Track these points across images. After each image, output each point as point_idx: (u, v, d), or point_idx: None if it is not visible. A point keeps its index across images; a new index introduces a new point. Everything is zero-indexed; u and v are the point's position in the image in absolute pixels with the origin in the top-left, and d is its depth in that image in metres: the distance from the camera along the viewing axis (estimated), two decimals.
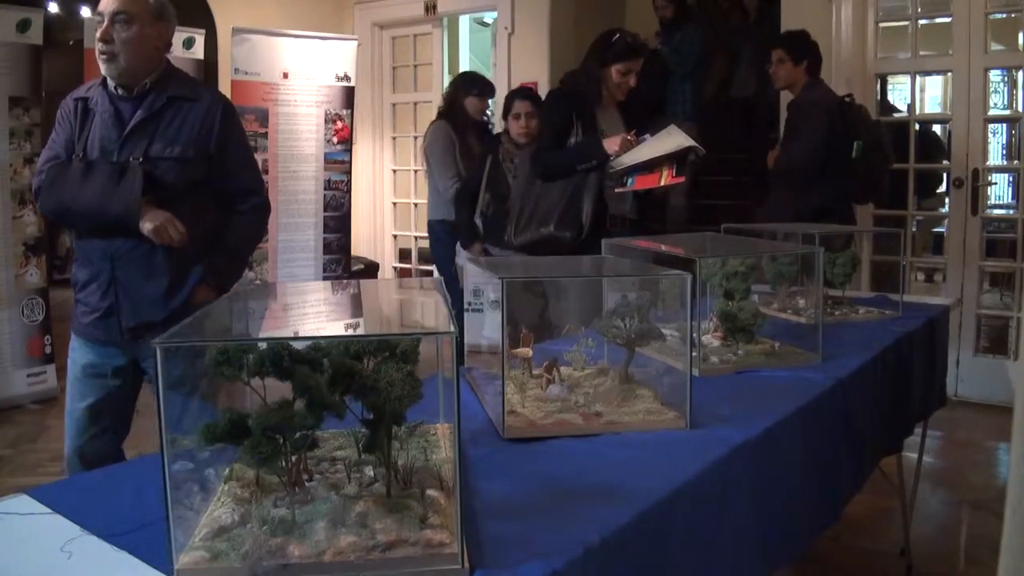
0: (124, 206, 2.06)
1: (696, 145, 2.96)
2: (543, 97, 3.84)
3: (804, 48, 3.81)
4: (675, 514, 1.18)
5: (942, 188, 4.96)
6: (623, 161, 3.03)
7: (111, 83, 2.14)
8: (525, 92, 4.19)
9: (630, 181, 3.06)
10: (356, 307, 1.53)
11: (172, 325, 2.06)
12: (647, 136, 3.07)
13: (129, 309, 2.15)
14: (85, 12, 5.51)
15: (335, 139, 5.48)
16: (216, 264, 2.25)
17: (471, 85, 4.62)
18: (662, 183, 3.00)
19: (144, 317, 2.15)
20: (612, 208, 3.19)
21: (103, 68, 2.11)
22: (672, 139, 2.97)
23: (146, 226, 2.07)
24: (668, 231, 4.44)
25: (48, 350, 4.73)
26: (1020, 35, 4.63)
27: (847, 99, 3.77)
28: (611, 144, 3.04)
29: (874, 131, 3.71)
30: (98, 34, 2.08)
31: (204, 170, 2.17)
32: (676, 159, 2.97)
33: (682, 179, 3.02)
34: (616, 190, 3.12)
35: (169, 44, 2.21)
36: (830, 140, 3.63)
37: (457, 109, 4.56)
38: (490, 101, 4.95)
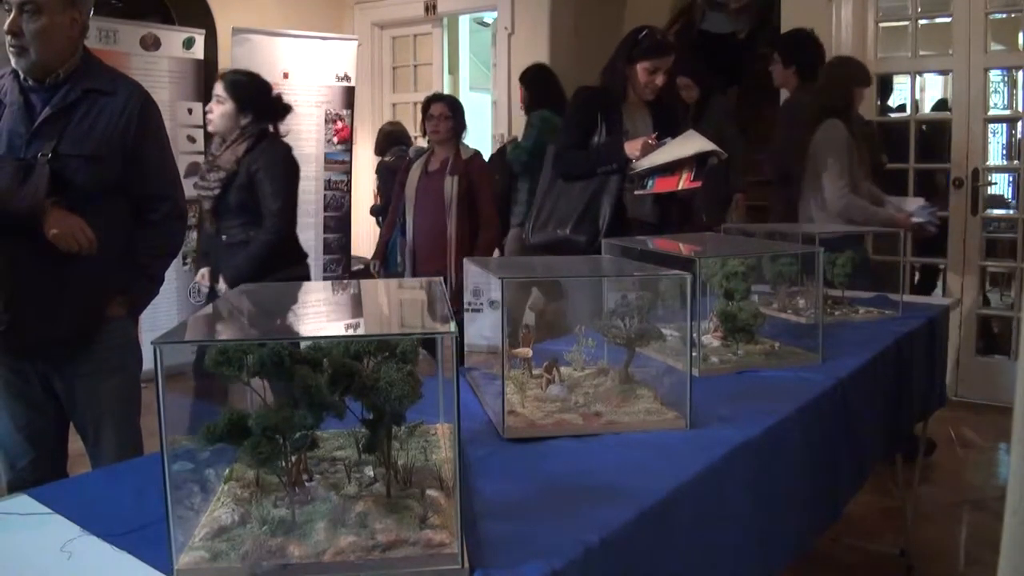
0: (28, 207, 1.87)
1: (717, 149, 2.94)
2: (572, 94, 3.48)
3: (792, 51, 3.80)
4: (675, 514, 1.18)
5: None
6: (643, 164, 3.01)
7: (22, 73, 1.97)
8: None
9: (650, 183, 3.04)
10: (356, 307, 1.52)
11: (78, 343, 2.01)
12: (668, 139, 3.05)
13: (32, 323, 1.95)
14: None
15: (335, 139, 5.49)
16: (128, 280, 2.09)
17: (862, 75, 3.64)
18: (680, 187, 2.97)
19: (47, 333, 1.97)
20: (631, 211, 3.16)
21: (13, 62, 1.95)
22: (691, 143, 2.93)
23: (51, 231, 1.88)
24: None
25: None
26: (1020, 35, 4.63)
27: None
28: (632, 147, 3.01)
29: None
30: (6, 26, 1.90)
31: (119, 171, 2.00)
32: (696, 163, 2.95)
33: (699, 184, 2.98)
34: (636, 192, 3.09)
35: (85, 30, 2.03)
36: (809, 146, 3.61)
37: (848, 104, 3.55)
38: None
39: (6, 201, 1.87)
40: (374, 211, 5.49)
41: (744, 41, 6.27)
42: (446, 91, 6.57)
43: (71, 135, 1.94)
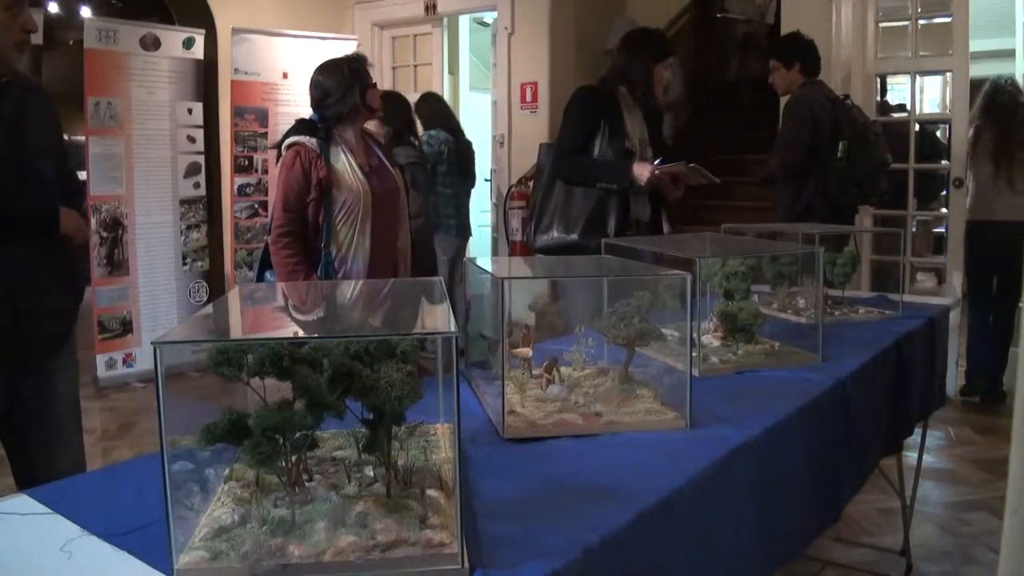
0: (40, 206, 1.85)
1: (713, 178, 3.05)
2: (571, 95, 3.31)
3: (792, 50, 3.82)
4: (675, 514, 1.18)
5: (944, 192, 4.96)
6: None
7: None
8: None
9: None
10: (356, 307, 1.52)
11: (68, 339, 2.00)
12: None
13: (30, 324, 1.91)
14: (85, 12, 5.50)
15: None
16: (81, 273, 2.11)
17: None
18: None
19: (48, 330, 1.95)
20: (633, 212, 3.16)
21: (18, 59, 1.88)
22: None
23: (69, 225, 1.88)
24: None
25: None
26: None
27: (843, 99, 3.76)
28: (640, 170, 2.98)
29: (863, 131, 3.69)
30: (29, 23, 1.84)
31: (58, 167, 1.99)
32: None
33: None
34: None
35: None
36: (815, 140, 3.62)
37: None
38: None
39: (8, 202, 1.82)
40: None
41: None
42: (446, 91, 6.58)
43: (29, 131, 1.89)
